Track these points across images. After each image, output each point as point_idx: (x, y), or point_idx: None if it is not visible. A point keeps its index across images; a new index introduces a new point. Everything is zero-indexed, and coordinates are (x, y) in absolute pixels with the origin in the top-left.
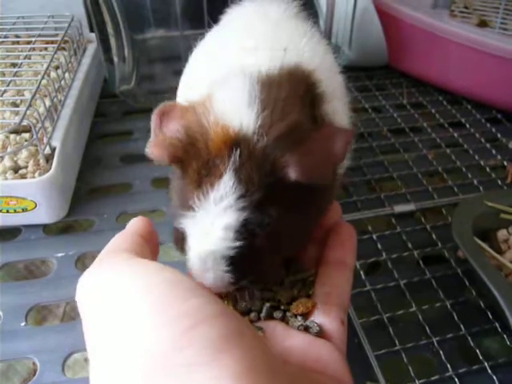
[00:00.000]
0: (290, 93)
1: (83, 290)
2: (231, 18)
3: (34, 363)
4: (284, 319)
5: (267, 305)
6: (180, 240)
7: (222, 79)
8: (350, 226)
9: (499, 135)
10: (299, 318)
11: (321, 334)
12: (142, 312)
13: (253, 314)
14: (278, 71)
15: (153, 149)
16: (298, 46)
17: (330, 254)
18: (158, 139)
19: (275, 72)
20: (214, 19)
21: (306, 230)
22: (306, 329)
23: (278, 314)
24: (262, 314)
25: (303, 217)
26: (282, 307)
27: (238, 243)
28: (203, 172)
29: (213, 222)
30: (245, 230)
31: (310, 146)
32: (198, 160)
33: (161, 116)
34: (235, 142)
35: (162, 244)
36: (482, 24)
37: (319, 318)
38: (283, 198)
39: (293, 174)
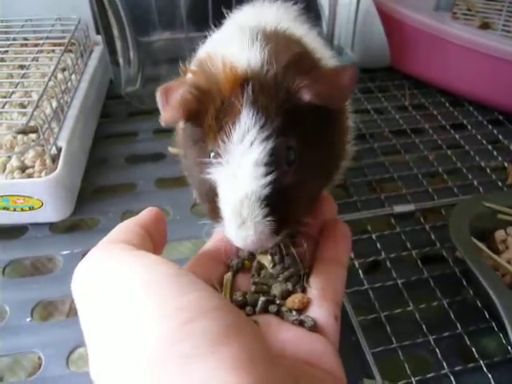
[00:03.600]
0: (290, 38)
1: (78, 281)
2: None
3: (39, 357)
4: (279, 313)
5: (262, 299)
6: (211, 205)
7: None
8: (344, 224)
9: (501, 137)
10: (294, 312)
11: (315, 328)
12: (141, 305)
13: (248, 308)
14: (274, 30)
15: (166, 113)
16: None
17: (325, 250)
18: (171, 104)
19: (271, 30)
20: (219, 21)
21: (326, 168)
22: (301, 323)
23: (272, 308)
24: (257, 308)
25: (322, 151)
26: (278, 301)
27: (269, 180)
28: (221, 116)
29: (240, 161)
30: (273, 164)
31: (320, 75)
32: (212, 105)
33: (165, 92)
34: (246, 77)
35: (166, 242)
36: (484, 26)
37: (313, 312)
38: (301, 129)
39: (307, 95)
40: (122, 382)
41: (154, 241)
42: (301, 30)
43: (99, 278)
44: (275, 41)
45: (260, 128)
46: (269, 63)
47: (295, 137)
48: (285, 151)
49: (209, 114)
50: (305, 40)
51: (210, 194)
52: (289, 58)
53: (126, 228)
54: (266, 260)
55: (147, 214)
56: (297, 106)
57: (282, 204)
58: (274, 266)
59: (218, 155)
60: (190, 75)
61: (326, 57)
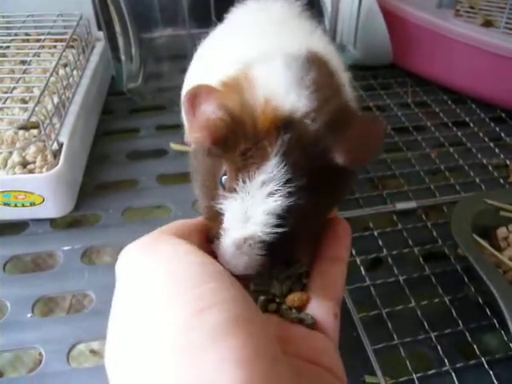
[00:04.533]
0: (327, 76)
1: (122, 260)
2: (235, 16)
3: (39, 353)
4: (278, 312)
5: (262, 298)
6: (213, 222)
7: (259, 59)
8: (345, 222)
9: (503, 134)
10: (294, 310)
11: (315, 326)
12: (164, 293)
13: None
14: (310, 55)
15: (193, 133)
16: (308, 41)
17: (325, 248)
18: (199, 122)
19: (307, 54)
20: (221, 18)
21: (327, 213)
22: (301, 321)
23: (272, 307)
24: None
25: (332, 199)
26: (277, 300)
27: (276, 229)
28: (248, 153)
29: (256, 206)
30: (286, 217)
31: (355, 132)
32: (244, 140)
33: (192, 100)
34: (285, 124)
35: None
36: (487, 24)
37: (313, 310)
38: (321, 183)
39: (341, 159)
40: (136, 369)
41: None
42: (328, 51)
43: (138, 265)
44: (321, 86)
45: (285, 182)
46: (312, 117)
47: (314, 191)
48: (300, 205)
49: (237, 147)
50: (333, 65)
51: (215, 215)
52: (331, 114)
53: (181, 223)
54: None
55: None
56: (327, 165)
57: (281, 247)
58: None
59: (234, 190)
60: (220, 90)
61: (344, 77)
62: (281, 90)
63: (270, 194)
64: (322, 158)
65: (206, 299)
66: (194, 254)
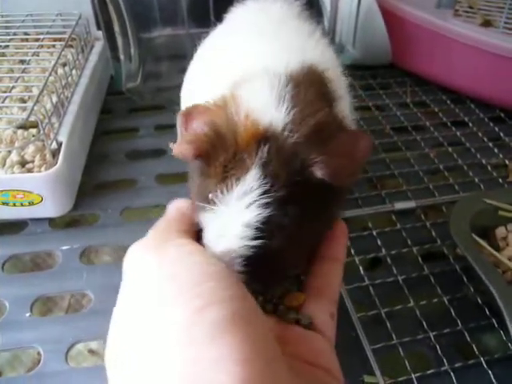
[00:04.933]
0: (315, 92)
1: (129, 258)
2: (234, 16)
3: (38, 353)
4: (275, 312)
5: (259, 299)
6: (197, 237)
7: (244, 79)
8: (342, 223)
9: (502, 134)
10: (291, 310)
11: (311, 326)
12: (167, 292)
13: None
14: (299, 70)
15: (179, 146)
16: (305, 47)
17: (322, 248)
18: (185, 136)
19: (297, 71)
20: (220, 18)
21: (318, 235)
22: (297, 322)
23: (269, 307)
24: None
25: (321, 218)
26: (274, 300)
27: (256, 243)
28: (229, 166)
29: (233, 218)
30: (265, 229)
31: (337, 147)
32: (224, 154)
33: (186, 116)
34: (264, 137)
35: None
36: (486, 23)
37: (310, 310)
38: (304, 198)
39: (320, 172)
40: (139, 366)
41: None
42: (324, 57)
43: (143, 264)
44: (303, 101)
45: (263, 193)
46: (291, 130)
47: (295, 205)
48: (280, 218)
49: (217, 161)
50: (328, 75)
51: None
52: (312, 128)
53: (177, 217)
54: None
55: (182, 203)
56: (306, 180)
57: (263, 263)
58: None
59: (213, 202)
60: (212, 108)
61: (343, 88)
62: (261, 106)
63: (248, 205)
64: (303, 171)
65: (204, 297)
66: (198, 254)
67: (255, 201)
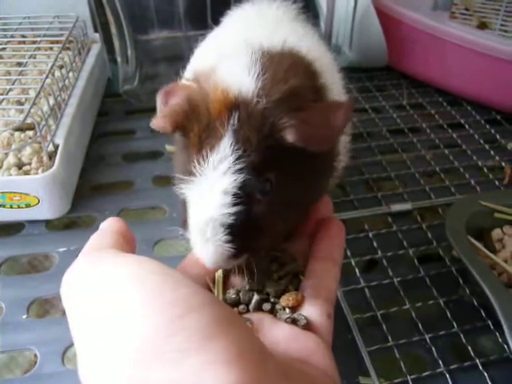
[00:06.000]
0: (291, 63)
1: (70, 285)
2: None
3: (34, 355)
4: (272, 311)
5: (256, 297)
6: (183, 215)
7: (226, 55)
8: (339, 222)
9: (498, 136)
10: (287, 310)
11: (308, 326)
12: (134, 301)
13: (241, 307)
14: (279, 49)
15: (157, 120)
16: (291, 34)
17: (319, 248)
18: (162, 111)
19: (276, 49)
20: (216, 20)
21: (305, 203)
22: (294, 321)
23: (266, 307)
24: (251, 306)
25: (303, 188)
26: (272, 299)
27: (236, 209)
28: (203, 135)
29: (211, 187)
30: (243, 195)
31: (310, 114)
32: (198, 124)
33: (165, 93)
34: (235, 104)
35: (163, 240)
36: (482, 26)
37: (307, 310)
38: (283, 163)
39: (290, 136)
40: (110, 375)
41: (129, 246)
42: (308, 43)
43: (94, 280)
44: (274, 69)
45: (236, 159)
46: (260, 95)
47: (274, 170)
48: (259, 183)
49: (193, 131)
50: (311, 57)
51: (183, 206)
52: (281, 93)
53: (106, 235)
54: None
55: (118, 223)
56: (280, 144)
57: (248, 231)
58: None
59: (192, 174)
60: (189, 84)
61: (332, 72)
62: (232, 74)
63: (224, 172)
64: (274, 136)
65: (181, 304)
66: (152, 263)
67: (230, 167)
